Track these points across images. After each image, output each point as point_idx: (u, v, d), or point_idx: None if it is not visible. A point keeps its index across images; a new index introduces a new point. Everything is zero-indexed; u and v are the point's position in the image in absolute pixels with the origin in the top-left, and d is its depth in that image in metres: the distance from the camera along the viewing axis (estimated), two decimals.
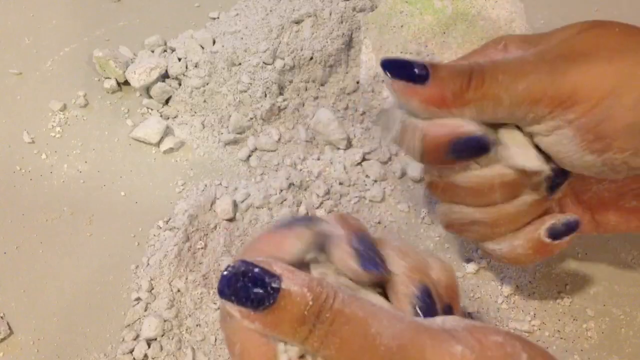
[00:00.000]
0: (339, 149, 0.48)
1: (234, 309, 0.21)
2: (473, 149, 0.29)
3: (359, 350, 0.20)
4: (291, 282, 0.21)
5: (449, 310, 0.25)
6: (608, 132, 0.27)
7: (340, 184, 0.46)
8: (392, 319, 0.21)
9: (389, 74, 0.29)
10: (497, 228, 0.33)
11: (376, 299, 0.24)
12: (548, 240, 0.32)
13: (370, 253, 0.24)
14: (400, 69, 0.28)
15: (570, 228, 0.32)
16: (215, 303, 0.40)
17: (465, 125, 0.29)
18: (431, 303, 0.24)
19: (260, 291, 0.21)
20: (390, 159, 0.47)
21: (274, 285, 0.21)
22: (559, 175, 0.31)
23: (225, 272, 0.22)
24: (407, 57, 0.30)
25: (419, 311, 0.23)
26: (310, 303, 0.21)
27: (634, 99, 0.26)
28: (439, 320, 0.22)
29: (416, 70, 0.28)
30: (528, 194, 0.32)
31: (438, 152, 0.29)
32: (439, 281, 0.25)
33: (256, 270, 0.21)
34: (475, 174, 0.31)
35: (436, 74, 0.28)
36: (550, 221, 0.32)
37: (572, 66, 0.27)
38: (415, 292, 0.24)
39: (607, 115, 0.26)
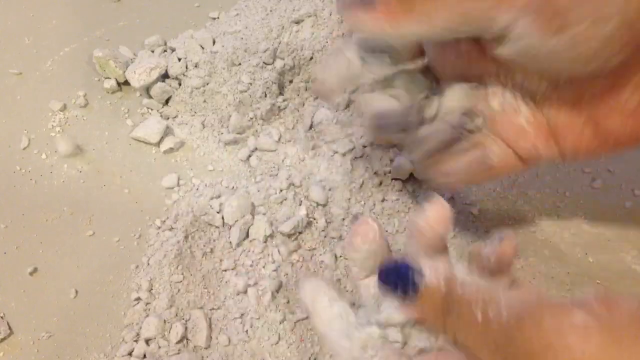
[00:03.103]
0: (338, 149, 0.48)
1: (393, 297, 0.25)
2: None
3: (482, 330, 0.22)
4: (432, 278, 0.24)
5: None
6: (560, 4, 0.26)
7: (341, 183, 0.46)
8: (513, 297, 0.21)
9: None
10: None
11: None
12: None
13: None
14: None
15: None
16: (214, 303, 0.40)
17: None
18: None
19: (408, 287, 0.24)
20: (391, 159, 0.47)
21: (417, 281, 0.24)
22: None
23: (386, 267, 0.26)
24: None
25: None
26: (443, 293, 0.24)
27: None
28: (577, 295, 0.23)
29: None
30: None
31: None
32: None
33: (408, 268, 0.25)
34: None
35: None
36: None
37: None
38: None
39: None
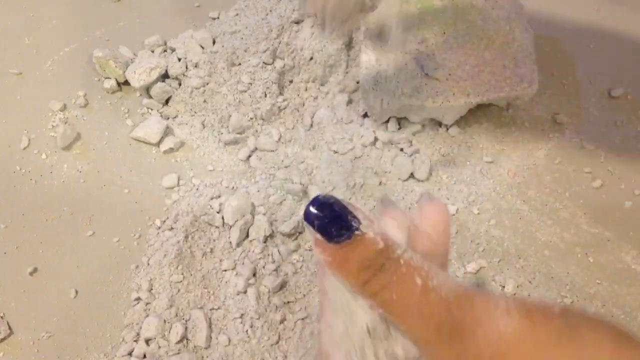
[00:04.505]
0: (338, 149, 0.48)
1: (312, 234, 0.23)
2: None
3: (419, 299, 0.22)
4: (368, 228, 0.23)
5: None
6: None
7: (341, 182, 0.46)
8: (449, 278, 0.23)
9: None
10: None
11: None
12: None
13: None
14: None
15: None
16: (214, 303, 0.40)
17: None
18: None
19: (339, 225, 0.23)
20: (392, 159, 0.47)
21: (353, 224, 0.23)
22: None
23: (315, 199, 0.23)
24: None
25: None
26: (380, 248, 0.22)
27: None
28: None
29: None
30: None
31: None
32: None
33: (342, 208, 0.23)
34: None
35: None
36: None
37: None
38: None
39: None
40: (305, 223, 0.23)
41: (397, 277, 0.22)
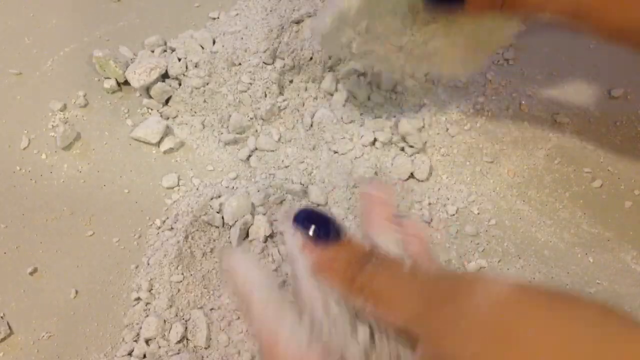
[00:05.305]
0: (338, 149, 0.48)
1: (299, 238, 0.24)
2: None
3: (408, 279, 0.22)
4: (354, 237, 0.24)
5: None
6: None
7: (341, 182, 0.46)
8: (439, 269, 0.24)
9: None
10: None
11: None
12: None
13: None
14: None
15: None
16: (214, 303, 0.40)
17: None
18: None
19: (328, 230, 0.24)
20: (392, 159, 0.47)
21: (341, 230, 0.24)
22: None
23: (304, 208, 0.25)
24: None
25: None
26: (366, 250, 0.23)
27: None
28: None
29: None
30: None
31: None
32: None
33: (331, 216, 0.24)
34: None
35: None
36: None
37: None
38: None
39: None
40: (294, 226, 0.24)
41: (384, 267, 0.22)
